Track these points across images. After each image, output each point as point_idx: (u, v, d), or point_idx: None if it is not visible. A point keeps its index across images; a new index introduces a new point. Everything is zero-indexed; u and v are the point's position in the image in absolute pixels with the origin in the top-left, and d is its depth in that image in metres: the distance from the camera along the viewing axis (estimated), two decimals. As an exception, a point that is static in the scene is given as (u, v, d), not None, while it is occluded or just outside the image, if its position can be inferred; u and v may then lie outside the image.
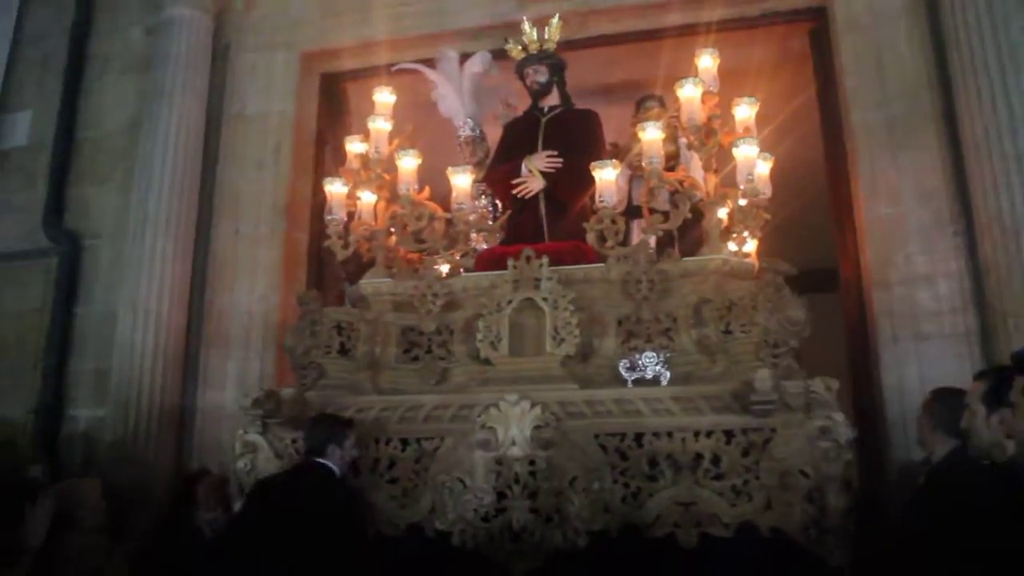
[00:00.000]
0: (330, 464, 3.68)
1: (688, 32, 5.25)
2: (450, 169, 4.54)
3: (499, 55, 5.58)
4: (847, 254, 5.25)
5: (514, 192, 4.84)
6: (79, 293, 6.14)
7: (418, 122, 5.23)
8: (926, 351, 4.65)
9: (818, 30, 5.68)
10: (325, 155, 6.26)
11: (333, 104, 6.45)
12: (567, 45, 5.24)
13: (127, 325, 5.52)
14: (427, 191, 4.69)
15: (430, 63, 5.92)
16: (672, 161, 5.00)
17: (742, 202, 4.24)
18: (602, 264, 4.25)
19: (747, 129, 4.36)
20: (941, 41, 4.95)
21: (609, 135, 5.28)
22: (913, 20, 5.13)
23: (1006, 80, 4.51)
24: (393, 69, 5.77)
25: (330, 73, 6.41)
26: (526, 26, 5.08)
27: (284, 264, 5.87)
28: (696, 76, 4.39)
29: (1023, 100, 4.48)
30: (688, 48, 4.43)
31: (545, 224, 4.78)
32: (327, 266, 5.85)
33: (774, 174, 4.47)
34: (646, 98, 5.49)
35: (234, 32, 6.43)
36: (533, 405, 3.72)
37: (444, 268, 4.57)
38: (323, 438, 3.73)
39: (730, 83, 4.62)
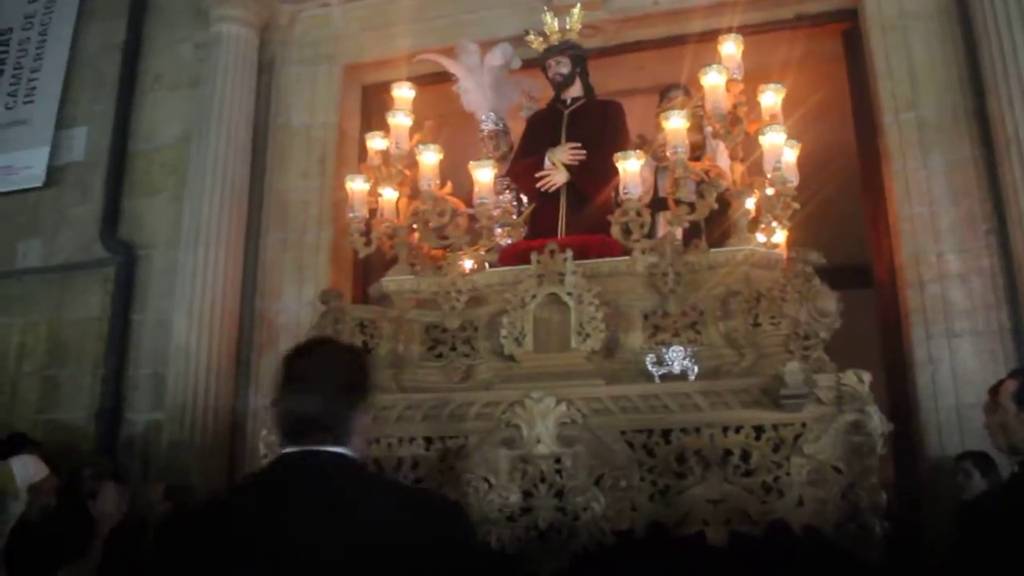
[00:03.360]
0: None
1: (715, 37, 5.19)
2: (472, 163, 4.48)
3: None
4: (881, 252, 5.31)
5: (538, 186, 4.78)
6: (135, 301, 6.47)
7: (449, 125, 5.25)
8: (959, 348, 4.69)
9: (850, 32, 5.75)
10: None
11: (375, 115, 6.51)
12: (598, 52, 5.35)
13: (181, 331, 5.78)
14: (449, 186, 4.64)
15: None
16: (698, 151, 4.92)
17: (769, 191, 4.17)
18: (627, 257, 4.17)
19: (773, 116, 4.27)
20: (972, 42, 5.00)
21: (634, 129, 5.21)
22: (945, 21, 5.21)
23: None
24: (415, 59, 5.74)
25: (371, 84, 6.57)
26: (547, 17, 5.01)
27: (331, 271, 6.06)
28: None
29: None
30: (714, 53, 4.40)
31: (569, 217, 4.72)
32: (373, 272, 5.85)
33: (803, 162, 4.40)
34: (670, 87, 5.41)
35: (278, 47, 6.69)
36: (558, 402, 3.64)
37: (468, 264, 4.53)
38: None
39: (758, 80, 4.53)
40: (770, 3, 5.61)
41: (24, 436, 5.59)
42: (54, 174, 7.08)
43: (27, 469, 4.84)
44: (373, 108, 6.55)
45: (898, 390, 4.88)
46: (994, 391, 3.38)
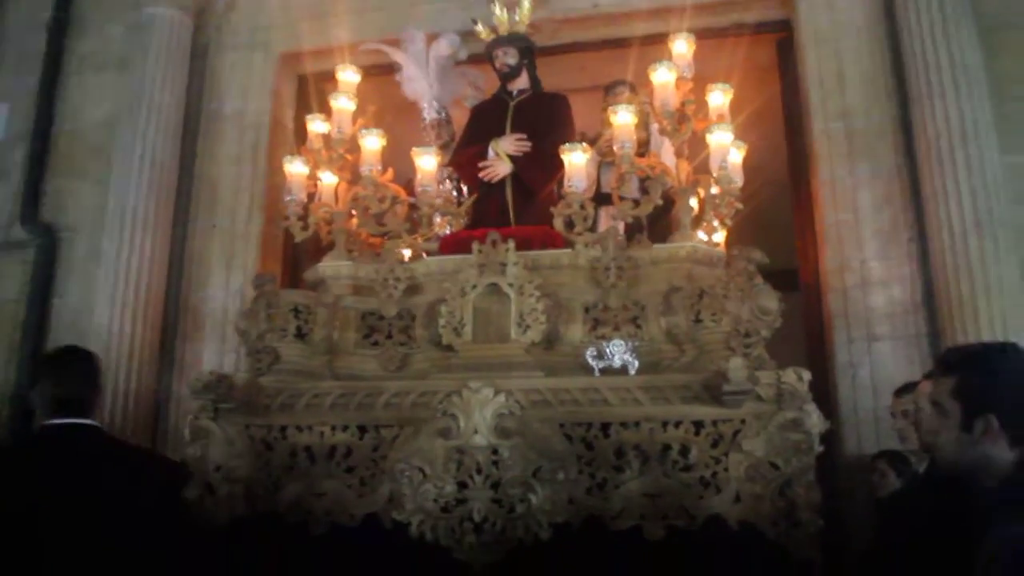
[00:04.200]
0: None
1: (657, 41, 5.23)
2: (415, 150, 4.42)
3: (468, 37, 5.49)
4: (807, 257, 5.42)
5: (481, 175, 4.73)
6: (55, 285, 6.24)
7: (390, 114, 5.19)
8: (879, 352, 4.84)
9: (784, 42, 5.87)
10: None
11: (310, 105, 6.36)
12: (538, 51, 5.25)
13: (103, 317, 5.58)
14: (391, 173, 4.56)
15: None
16: (642, 148, 4.92)
17: (714, 190, 4.16)
18: (570, 250, 4.14)
19: (721, 116, 4.28)
20: (899, 54, 5.12)
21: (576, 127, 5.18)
22: (873, 34, 5.32)
23: (959, 92, 4.79)
24: (361, 48, 5.65)
25: (308, 74, 6.44)
26: (496, 8, 4.96)
27: (260, 260, 5.91)
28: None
29: (973, 112, 4.75)
30: (656, 56, 4.41)
31: (512, 208, 4.68)
32: (304, 262, 5.74)
33: (744, 165, 4.43)
34: (616, 83, 5.40)
35: (213, 32, 6.49)
36: (496, 393, 3.59)
37: (407, 252, 4.45)
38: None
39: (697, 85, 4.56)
40: (709, 10, 5.66)
41: None
42: (-28, 152, 6.84)
43: None
44: (309, 98, 6.43)
45: (820, 391, 4.96)
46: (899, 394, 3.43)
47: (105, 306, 5.61)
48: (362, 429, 3.79)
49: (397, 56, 5.67)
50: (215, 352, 5.64)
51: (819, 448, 3.44)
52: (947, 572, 2.15)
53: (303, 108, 6.27)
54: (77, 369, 3.36)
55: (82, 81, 6.72)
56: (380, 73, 5.83)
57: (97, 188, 6.21)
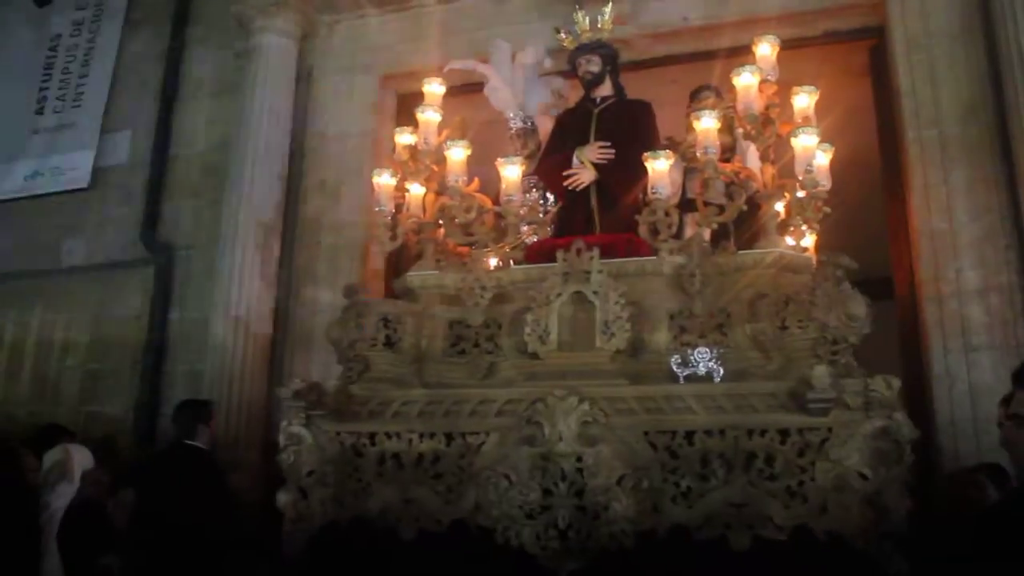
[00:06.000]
0: (199, 444, 4.18)
1: (746, 51, 5.19)
2: (500, 160, 4.46)
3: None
4: (901, 265, 5.38)
5: (565, 184, 4.74)
6: (173, 300, 6.72)
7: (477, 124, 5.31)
8: (976, 363, 4.77)
9: (877, 48, 5.82)
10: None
11: (410, 123, 6.52)
12: (630, 65, 5.40)
13: (218, 330, 5.97)
14: (476, 183, 4.62)
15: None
16: (727, 153, 4.86)
17: (800, 194, 4.09)
18: (655, 257, 4.12)
19: (806, 119, 4.19)
20: (996, 61, 5.05)
21: (662, 132, 5.15)
22: (969, 40, 5.27)
23: None
24: (446, 69, 5.74)
25: (407, 94, 6.60)
26: (578, 16, 4.98)
27: (364, 276, 6.19)
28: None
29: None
30: (752, 55, 4.39)
31: (597, 216, 4.68)
32: (402, 274, 5.91)
33: (833, 171, 4.33)
34: (701, 88, 5.34)
35: (317, 57, 6.89)
36: (581, 400, 3.60)
37: (493, 261, 4.50)
38: (190, 420, 4.22)
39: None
40: (799, 19, 5.65)
41: (61, 427, 5.71)
42: (98, 176, 7.36)
43: (83, 455, 5.00)
44: (408, 117, 6.54)
45: (915, 401, 4.87)
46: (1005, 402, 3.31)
47: (219, 321, 5.98)
48: (449, 436, 3.85)
49: (482, 68, 5.74)
50: (322, 364, 5.77)
51: (909, 458, 3.35)
52: None
53: (403, 127, 6.42)
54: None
55: (196, 107, 7.18)
56: (472, 91, 5.93)
57: (212, 208, 6.62)
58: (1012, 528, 2.68)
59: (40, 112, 7.80)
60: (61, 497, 4.80)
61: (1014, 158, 4.82)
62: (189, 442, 4.44)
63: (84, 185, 7.33)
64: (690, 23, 5.97)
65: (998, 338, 4.76)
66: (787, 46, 4.48)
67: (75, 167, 7.43)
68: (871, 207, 5.80)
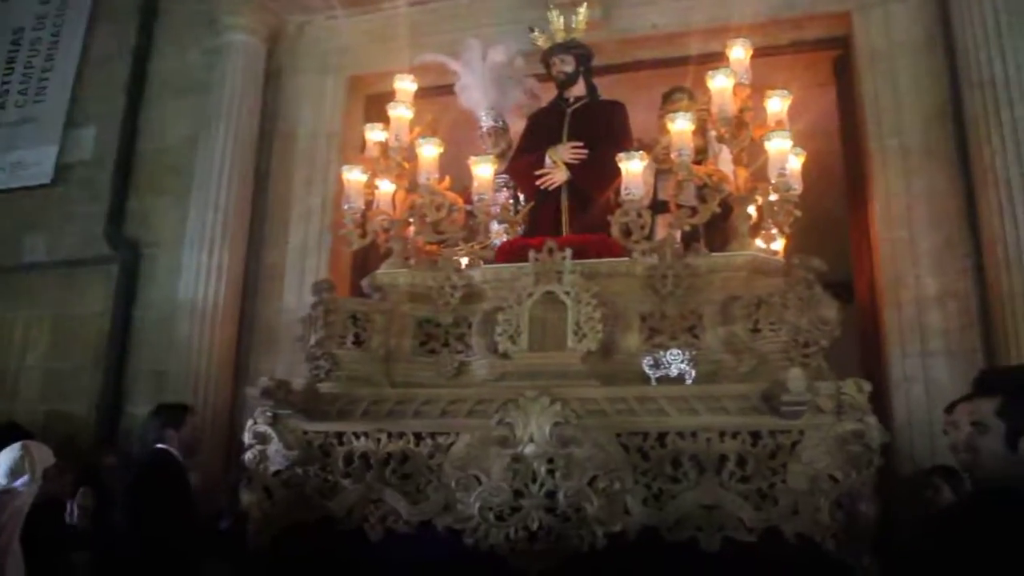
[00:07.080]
0: (170, 448, 4.10)
1: (715, 58, 5.23)
2: (472, 159, 4.43)
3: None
4: (863, 271, 5.47)
5: (537, 183, 4.71)
6: (137, 298, 6.58)
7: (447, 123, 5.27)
8: (933, 367, 4.86)
9: (842, 58, 5.90)
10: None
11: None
12: (598, 70, 5.29)
13: (183, 329, 5.90)
14: (448, 181, 4.59)
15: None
16: (699, 155, 4.85)
17: (773, 197, 4.10)
18: (627, 258, 4.11)
19: (779, 123, 4.21)
20: (957, 73, 5.12)
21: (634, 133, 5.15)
22: (931, 52, 5.37)
23: (1014, 112, 4.74)
24: (416, 62, 5.71)
25: (375, 95, 6.57)
26: (553, 15, 4.96)
27: (331, 274, 6.00)
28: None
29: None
30: (725, 58, 4.40)
31: (568, 216, 4.65)
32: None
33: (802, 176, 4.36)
34: (674, 90, 5.35)
35: (286, 56, 6.83)
36: (553, 401, 3.58)
37: (464, 260, 4.47)
38: (160, 425, 4.16)
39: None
40: (767, 28, 5.68)
41: (18, 425, 5.57)
42: (62, 172, 7.19)
43: (43, 452, 4.88)
44: (376, 118, 6.50)
45: (874, 405, 4.91)
46: (949, 410, 3.34)
47: (184, 320, 5.91)
48: (418, 436, 3.81)
49: (453, 65, 5.70)
50: (287, 363, 5.72)
51: (879, 461, 3.37)
52: None
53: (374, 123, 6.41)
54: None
55: (163, 104, 7.06)
56: (442, 93, 5.91)
57: (178, 206, 6.51)
58: (971, 528, 2.69)
59: (2, 107, 7.63)
60: (22, 495, 4.68)
61: (973, 168, 4.92)
62: (160, 446, 4.33)
63: (47, 180, 7.15)
64: (659, 30, 5.99)
65: (954, 343, 4.85)
66: (755, 55, 4.50)
67: (38, 162, 7.26)
68: (834, 214, 5.86)
